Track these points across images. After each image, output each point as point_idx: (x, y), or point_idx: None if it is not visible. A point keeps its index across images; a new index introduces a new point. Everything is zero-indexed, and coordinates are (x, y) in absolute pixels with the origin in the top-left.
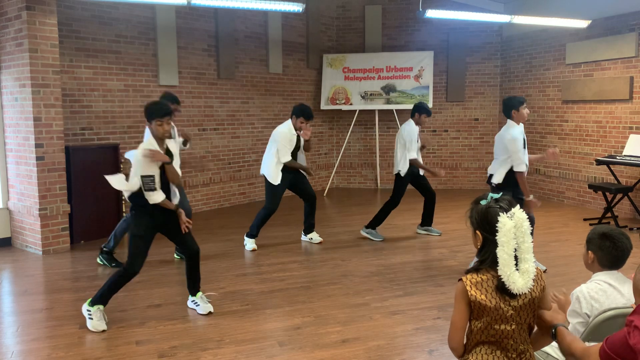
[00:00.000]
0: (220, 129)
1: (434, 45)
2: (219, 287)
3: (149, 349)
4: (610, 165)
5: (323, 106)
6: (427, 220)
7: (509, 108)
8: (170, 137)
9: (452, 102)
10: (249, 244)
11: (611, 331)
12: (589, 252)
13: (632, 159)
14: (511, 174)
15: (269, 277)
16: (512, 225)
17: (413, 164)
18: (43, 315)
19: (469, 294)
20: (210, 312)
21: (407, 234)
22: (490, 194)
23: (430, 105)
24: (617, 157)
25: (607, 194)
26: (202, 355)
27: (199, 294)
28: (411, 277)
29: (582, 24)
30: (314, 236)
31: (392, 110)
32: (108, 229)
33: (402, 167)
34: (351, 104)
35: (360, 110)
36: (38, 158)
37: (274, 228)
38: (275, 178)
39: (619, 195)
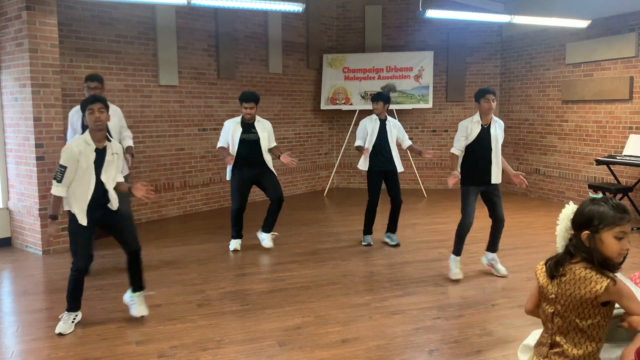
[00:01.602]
0: (220, 129)
1: (434, 45)
2: (219, 287)
3: (149, 349)
4: (610, 165)
5: (323, 106)
6: (389, 226)
7: (475, 100)
8: (102, 128)
9: (452, 102)
10: (231, 244)
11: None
12: None
13: (632, 159)
14: (465, 158)
15: (269, 277)
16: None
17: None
18: (43, 315)
19: (536, 267)
20: (142, 316)
21: (407, 234)
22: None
23: (430, 105)
24: (617, 157)
25: (607, 194)
26: (202, 355)
27: (139, 292)
28: (411, 277)
29: (582, 24)
30: (265, 238)
31: (392, 110)
32: None
33: (361, 164)
34: (351, 104)
35: (360, 110)
36: (38, 158)
37: (273, 228)
38: (227, 173)
39: (619, 195)
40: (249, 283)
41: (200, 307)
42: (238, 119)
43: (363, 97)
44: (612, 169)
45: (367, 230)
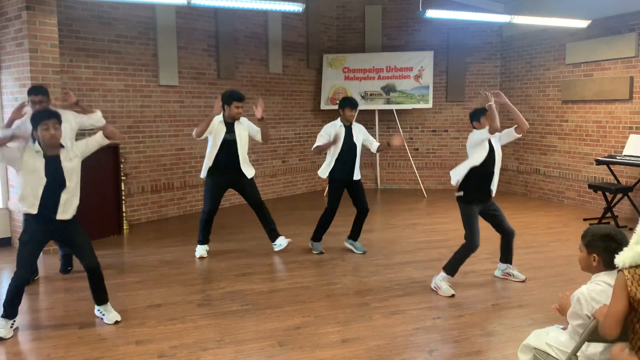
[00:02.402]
0: None
1: (434, 45)
2: (219, 287)
3: (149, 349)
4: (610, 165)
5: (323, 106)
6: (353, 233)
7: (472, 120)
8: (56, 144)
9: (452, 102)
10: (197, 250)
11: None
12: (593, 255)
13: (632, 159)
14: (470, 174)
15: (269, 277)
16: None
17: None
18: (43, 315)
19: (629, 289)
20: (117, 321)
21: (406, 234)
22: None
23: (430, 105)
24: (617, 157)
25: (607, 194)
26: (202, 355)
27: (105, 305)
28: (411, 277)
29: (582, 24)
30: (280, 241)
31: (392, 110)
32: (108, 229)
33: (322, 171)
34: None
35: (360, 110)
36: None
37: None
38: (203, 171)
39: (619, 195)
40: (249, 283)
41: (200, 307)
42: (220, 117)
43: (363, 97)
44: (612, 169)
45: (318, 237)
